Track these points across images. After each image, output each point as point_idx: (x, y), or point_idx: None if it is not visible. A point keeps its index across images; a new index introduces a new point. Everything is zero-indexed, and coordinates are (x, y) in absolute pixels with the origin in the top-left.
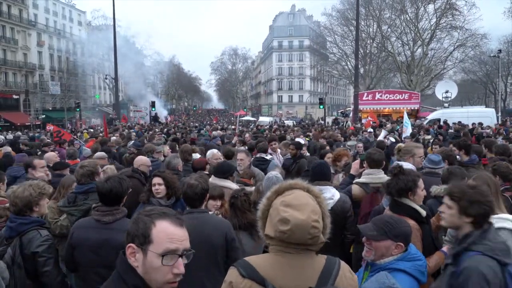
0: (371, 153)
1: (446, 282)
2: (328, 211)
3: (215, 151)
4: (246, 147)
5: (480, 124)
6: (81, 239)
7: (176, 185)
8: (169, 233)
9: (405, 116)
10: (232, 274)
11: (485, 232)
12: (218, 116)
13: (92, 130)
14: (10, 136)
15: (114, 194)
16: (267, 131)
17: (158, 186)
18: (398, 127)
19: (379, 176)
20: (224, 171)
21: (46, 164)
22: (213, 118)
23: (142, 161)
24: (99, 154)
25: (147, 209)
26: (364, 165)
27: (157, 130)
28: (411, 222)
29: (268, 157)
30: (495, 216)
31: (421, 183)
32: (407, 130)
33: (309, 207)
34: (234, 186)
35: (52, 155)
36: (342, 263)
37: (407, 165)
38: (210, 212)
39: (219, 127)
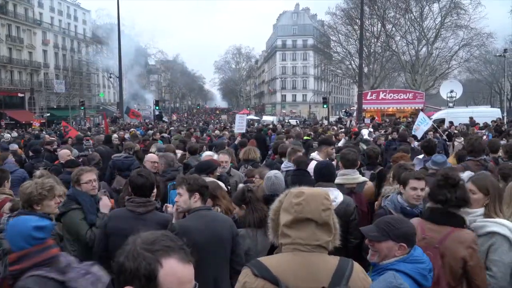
0: (345, 153)
1: None
2: (335, 216)
3: (209, 153)
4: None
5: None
6: (117, 228)
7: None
8: (179, 276)
9: (421, 115)
10: (246, 273)
11: None
12: (214, 115)
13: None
14: (15, 134)
15: (147, 187)
16: (270, 131)
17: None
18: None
19: (354, 177)
20: (204, 168)
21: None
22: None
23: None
24: None
25: (144, 239)
26: (339, 165)
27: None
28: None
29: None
30: (491, 220)
31: None
32: (420, 129)
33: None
34: (221, 184)
35: (65, 153)
36: (355, 263)
37: None
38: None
39: (222, 126)
